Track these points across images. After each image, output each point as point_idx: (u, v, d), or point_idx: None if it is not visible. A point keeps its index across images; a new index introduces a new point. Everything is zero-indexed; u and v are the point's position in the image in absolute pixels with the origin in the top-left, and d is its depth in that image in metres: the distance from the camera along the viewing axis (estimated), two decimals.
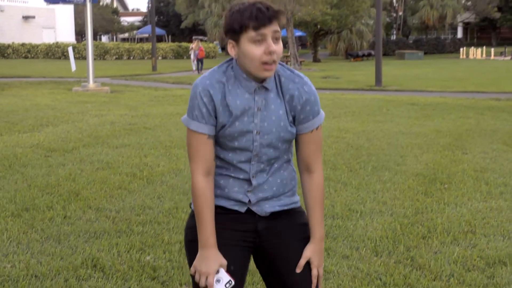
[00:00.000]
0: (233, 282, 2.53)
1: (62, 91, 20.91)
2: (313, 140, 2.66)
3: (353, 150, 9.37)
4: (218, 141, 2.60)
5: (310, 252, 2.68)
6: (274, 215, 2.69)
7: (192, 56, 37.98)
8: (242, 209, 2.66)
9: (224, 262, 2.54)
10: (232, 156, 2.61)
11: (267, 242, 2.70)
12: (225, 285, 2.53)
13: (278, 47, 2.45)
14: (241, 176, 2.63)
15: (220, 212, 2.65)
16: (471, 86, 23.40)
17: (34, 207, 6.16)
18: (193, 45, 37.91)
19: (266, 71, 2.46)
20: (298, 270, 2.66)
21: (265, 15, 2.40)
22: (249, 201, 2.65)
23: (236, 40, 2.47)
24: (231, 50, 2.51)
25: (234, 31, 2.45)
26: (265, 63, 2.44)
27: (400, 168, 8.10)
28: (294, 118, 2.61)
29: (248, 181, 2.63)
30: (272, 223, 2.69)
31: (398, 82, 25.80)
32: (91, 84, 21.27)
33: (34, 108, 14.96)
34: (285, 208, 2.71)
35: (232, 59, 2.60)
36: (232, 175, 2.64)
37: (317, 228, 2.71)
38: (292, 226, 2.73)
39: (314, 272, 2.67)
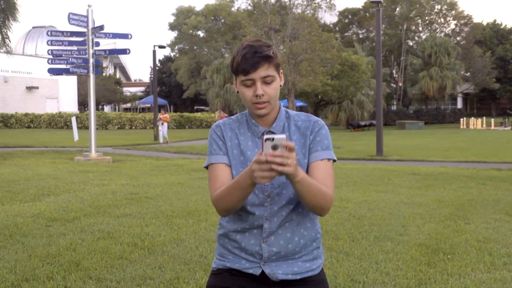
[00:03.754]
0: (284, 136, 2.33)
1: (64, 160, 20.96)
2: (323, 168, 2.64)
3: (355, 220, 9.33)
4: None
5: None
6: (286, 283, 2.69)
7: (162, 128, 34.36)
8: (257, 271, 2.67)
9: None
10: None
11: None
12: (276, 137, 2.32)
13: (269, 89, 2.60)
14: (255, 223, 2.65)
15: (236, 274, 2.70)
16: (472, 156, 23.44)
17: (34, 277, 6.11)
18: (161, 116, 34.62)
19: (258, 110, 2.63)
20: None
21: (250, 62, 2.56)
22: (263, 257, 2.66)
23: (236, 79, 2.68)
24: (235, 86, 2.71)
25: (232, 71, 2.67)
26: (255, 103, 2.61)
27: (403, 238, 8.05)
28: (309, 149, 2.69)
29: (261, 227, 2.66)
30: None
31: (399, 152, 25.86)
32: (93, 153, 21.36)
33: (36, 178, 14.97)
34: (298, 277, 2.70)
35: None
36: (247, 226, 2.67)
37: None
38: None
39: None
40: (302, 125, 2.72)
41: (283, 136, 2.31)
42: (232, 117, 2.80)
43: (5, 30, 21.47)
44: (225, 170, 2.67)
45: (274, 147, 2.30)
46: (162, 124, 34.03)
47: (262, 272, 2.68)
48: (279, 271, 2.67)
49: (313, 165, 2.65)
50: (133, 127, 58.32)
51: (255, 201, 2.64)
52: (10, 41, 23.19)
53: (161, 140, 34.17)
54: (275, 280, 2.68)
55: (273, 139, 2.31)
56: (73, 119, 25.92)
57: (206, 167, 2.76)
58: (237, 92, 2.70)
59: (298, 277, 2.70)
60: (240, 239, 2.69)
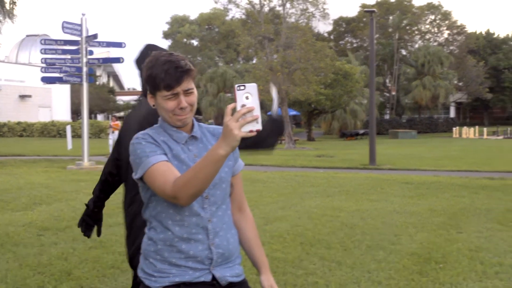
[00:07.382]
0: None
1: (56, 169, 20.91)
2: (240, 180, 2.94)
3: (347, 229, 9.33)
4: None
5: (271, 281, 2.86)
6: (231, 286, 2.75)
7: (112, 137, 30.78)
8: (208, 277, 2.66)
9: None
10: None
11: None
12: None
13: (190, 99, 2.64)
14: (200, 225, 2.65)
15: None
16: (465, 165, 23.48)
17: (25, 287, 6.08)
18: (112, 123, 30.99)
19: (178, 121, 2.64)
20: None
21: (173, 77, 2.56)
22: (213, 261, 2.66)
23: (153, 94, 2.64)
24: (150, 100, 2.69)
25: (150, 87, 2.63)
26: (177, 114, 2.62)
27: (395, 247, 8.05)
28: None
29: (206, 229, 2.66)
30: None
31: (392, 161, 25.89)
32: (86, 162, 21.29)
33: (28, 187, 14.93)
34: (239, 279, 2.78)
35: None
36: (193, 231, 2.64)
37: (265, 258, 2.93)
38: None
39: None
40: (215, 131, 2.83)
41: (254, 84, 2.27)
42: (147, 130, 2.72)
43: None
44: (170, 165, 2.57)
45: (247, 97, 2.26)
46: (113, 132, 30.65)
47: (211, 278, 2.68)
48: (227, 274, 2.71)
49: (236, 178, 2.91)
50: None
51: (196, 204, 2.63)
52: None
53: (110, 149, 29.10)
54: (223, 284, 2.69)
55: (244, 86, 2.27)
56: (68, 128, 25.95)
57: (141, 178, 2.61)
58: (153, 105, 2.67)
59: (239, 279, 2.78)
60: (187, 248, 2.63)
